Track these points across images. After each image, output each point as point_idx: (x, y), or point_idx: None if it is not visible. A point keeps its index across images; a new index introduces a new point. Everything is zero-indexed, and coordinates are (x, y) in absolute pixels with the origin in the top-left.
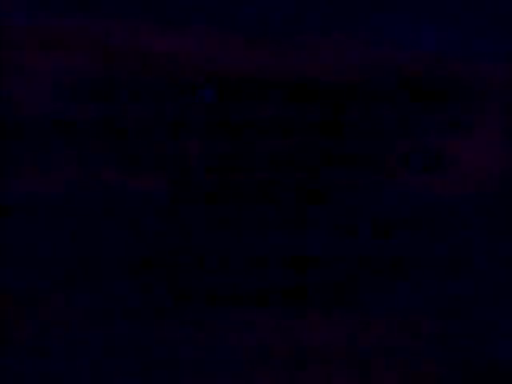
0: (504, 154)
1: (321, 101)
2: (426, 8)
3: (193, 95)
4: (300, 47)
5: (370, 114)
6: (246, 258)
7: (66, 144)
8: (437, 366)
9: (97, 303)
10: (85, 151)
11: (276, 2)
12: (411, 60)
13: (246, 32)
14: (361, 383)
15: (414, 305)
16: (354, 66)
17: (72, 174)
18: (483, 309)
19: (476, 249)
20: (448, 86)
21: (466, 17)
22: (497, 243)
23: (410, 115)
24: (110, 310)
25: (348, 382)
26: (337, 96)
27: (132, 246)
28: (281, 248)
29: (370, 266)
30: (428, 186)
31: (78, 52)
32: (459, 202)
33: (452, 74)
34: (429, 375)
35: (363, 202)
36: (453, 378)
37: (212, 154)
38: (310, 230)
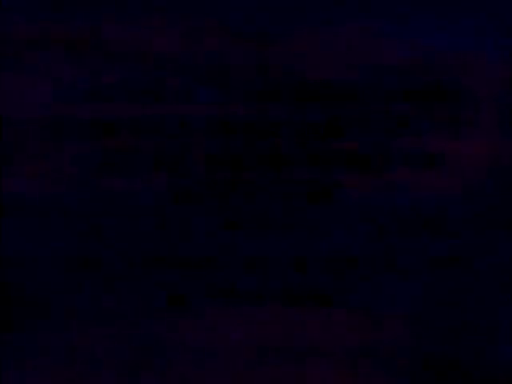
0: (503, 154)
1: (320, 100)
2: (425, 8)
3: (190, 95)
4: (299, 46)
5: (369, 113)
6: (245, 258)
7: (66, 144)
8: (436, 366)
9: (96, 303)
10: (85, 151)
11: (276, 0)
12: (411, 60)
13: (245, 31)
14: (353, 382)
15: (412, 304)
16: (354, 66)
17: (72, 173)
18: (484, 308)
19: (474, 248)
20: (447, 85)
21: (466, 17)
22: (495, 242)
23: (409, 115)
24: (110, 309)
25: (345, 380)
26: (336, 96)
27: (132, 246)
28: (281, 248)
29: (370, 265)
30: (427, 186)
31: (78, 52)
32: (458, 201)
33: (451, 73)
34: (428, 375)
35: (363, 201)
36: (452, 378)
37: (212, 154)
38: (311, 230)
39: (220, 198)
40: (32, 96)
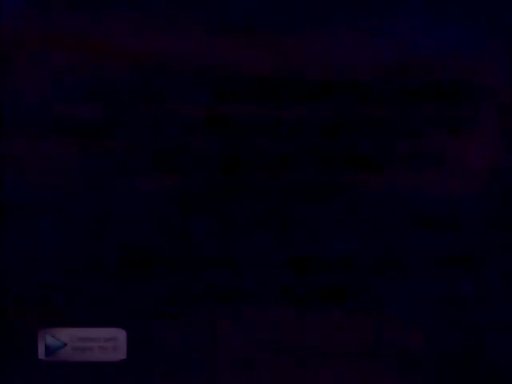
0: (503, 154)
1: (321, 101)
2: (426, 9)
3: (190, 95)
4: (299, 46)
5: (369, 113)
6: (245, 258)
7: (66, 144)
8: (436, 366)
9: (97, 303)
10: (85, 151)
11: (276, 0)
12: (411, 60)
13: (245, 30)
14: (353, 382)
15: (414, 305)
16: (354, 66)
17: (72, 174)
18: (485, 308)
19: (476, 248)
20: (447, 85)
21: (466, 17)
22: (497, 242)
23: (409, 115)
24: (110, 309)
25: (350, 381)
26: (336, 96)
27: (132, 246)
28: (282, 248)
29: (371, 266)
30: (427, 186)
31: (78, 52)
32: (459, 201)
33: (451, 73)
34: (428, 375)
35: (363, 201)
36: (452, 377)
37: (212, 154)
38: (311, 230)
39: (220, 199)
40: (32, 96)
